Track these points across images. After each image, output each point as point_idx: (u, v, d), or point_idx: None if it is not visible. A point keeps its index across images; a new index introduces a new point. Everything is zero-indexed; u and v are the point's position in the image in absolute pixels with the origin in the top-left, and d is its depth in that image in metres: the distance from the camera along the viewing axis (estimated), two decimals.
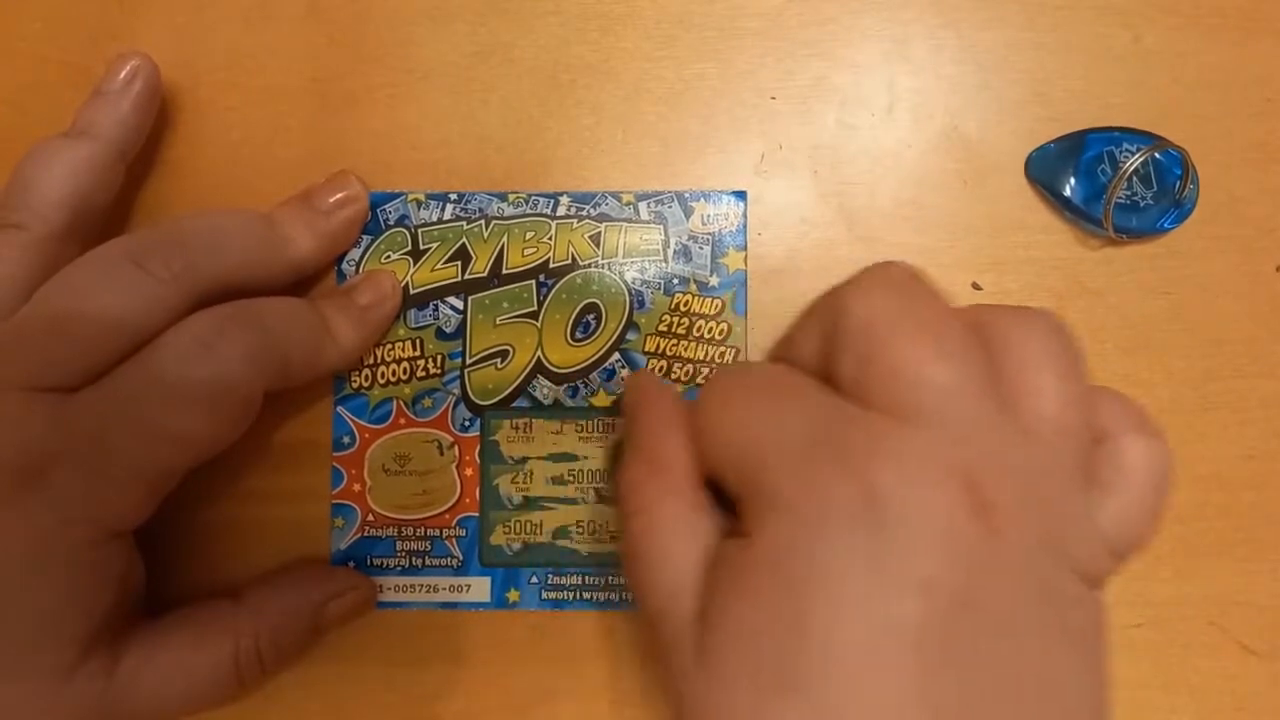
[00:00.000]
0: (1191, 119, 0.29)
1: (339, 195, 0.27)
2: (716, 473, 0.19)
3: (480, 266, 0.28)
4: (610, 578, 0.27)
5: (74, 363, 0.22)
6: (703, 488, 0.20)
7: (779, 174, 0.29)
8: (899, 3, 0.29)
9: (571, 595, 0.27)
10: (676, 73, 0.29)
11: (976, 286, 0.29)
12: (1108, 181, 0.28)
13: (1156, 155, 0.28)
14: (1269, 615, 0.28)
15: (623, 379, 0.28)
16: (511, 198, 0.28)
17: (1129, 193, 0.28)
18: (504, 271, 0.28)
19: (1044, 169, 0.29)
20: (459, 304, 0.28)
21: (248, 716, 0.27)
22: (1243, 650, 0.28)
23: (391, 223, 0.28)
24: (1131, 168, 0.28)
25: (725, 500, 0.20)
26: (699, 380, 0.28)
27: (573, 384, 0.28)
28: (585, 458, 0.28)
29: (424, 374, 0.28)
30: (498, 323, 0.28)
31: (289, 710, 0.27)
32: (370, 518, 0.28)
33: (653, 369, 0.28)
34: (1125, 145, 0.28)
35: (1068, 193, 0.28)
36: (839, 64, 0.29)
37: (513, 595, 0.27)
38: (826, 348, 0.19)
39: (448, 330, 0.28)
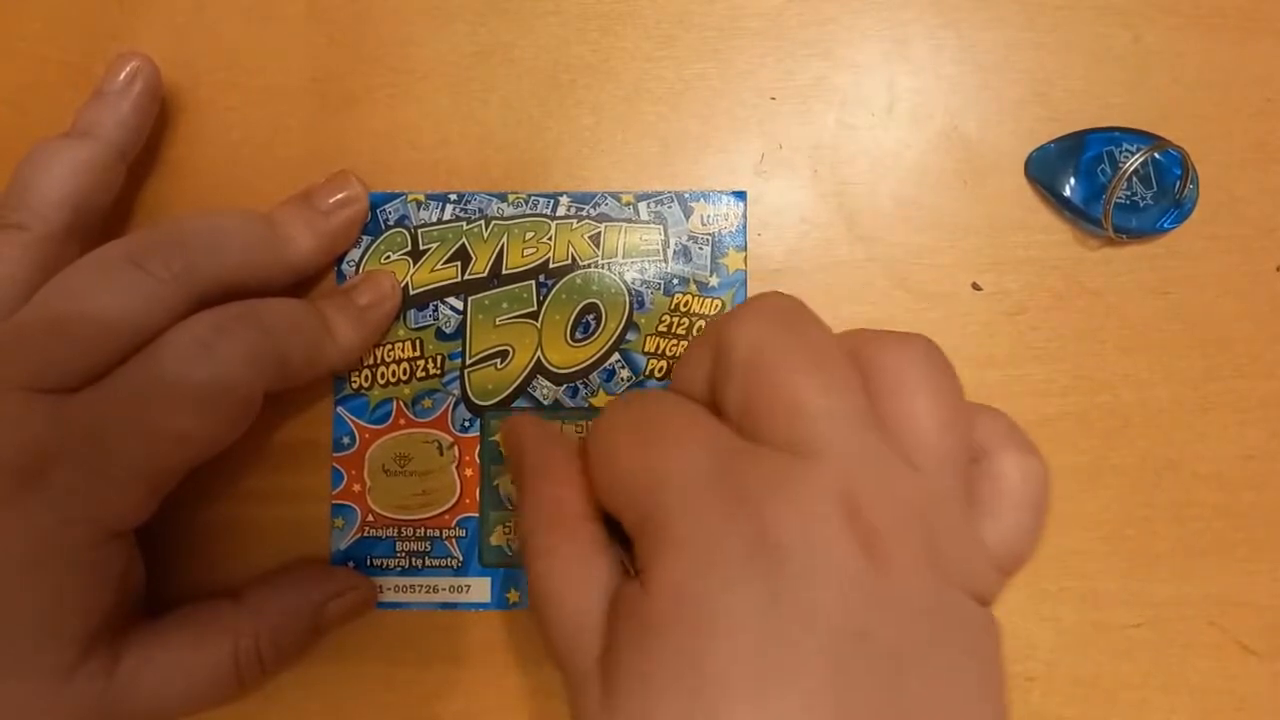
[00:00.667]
0: (1191, 119, 0.29)
1: (339, 195, 0.27)
2: (611, 508, 0.19)
3: (480, 267, 0.28)
4: None
5: (74, 363, 0.22)
6: (599, 522, 0.20)
7: (779, 174, 0.29)
8: (899, 3, 0.29)
9: None
10: (676, 73, 0.29)
11: (976, 286, 0.29)
12: (1107, 181, 0.28)
13: (1156, 155, 0.28)
14: (1269, 615, 0.28)
15: (623, 380, 0.28)
16: (511, 198, 0.28)
17: (1129, 193, 0.28)
18: (504, 272, 0.28)
19: (1044, 169, 0.29)
20: (459, 304, 0.28)
21: (248, 716, 0.27)
22: (1242, 650, 0.28)
23: (391, 223, 0.28)
24: (1131, 168, 0.28)
25: (623, 531, 0.20)
26: None
27: (573, 384, 0.28)
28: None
29: (424, 374, 0.28)
30: (497, 323, 0.28)
31: (289, 710, 0.27)
32: (370, 518, 0.28)
33: (652, 369, 0.28)
34: (1125, 145, 0.28)
35: (1067, 193, 0.28)
36: (839, 64, 0.29)
37: (512, 596, 0.27)
38: (713, 378, 0.19)
39: (447, 331, 0.28)
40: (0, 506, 0.21)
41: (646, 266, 0.28)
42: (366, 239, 0.28)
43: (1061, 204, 0.28)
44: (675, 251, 0.28)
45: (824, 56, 0.29)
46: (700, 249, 0.28)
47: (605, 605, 0.19)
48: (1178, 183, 0.28)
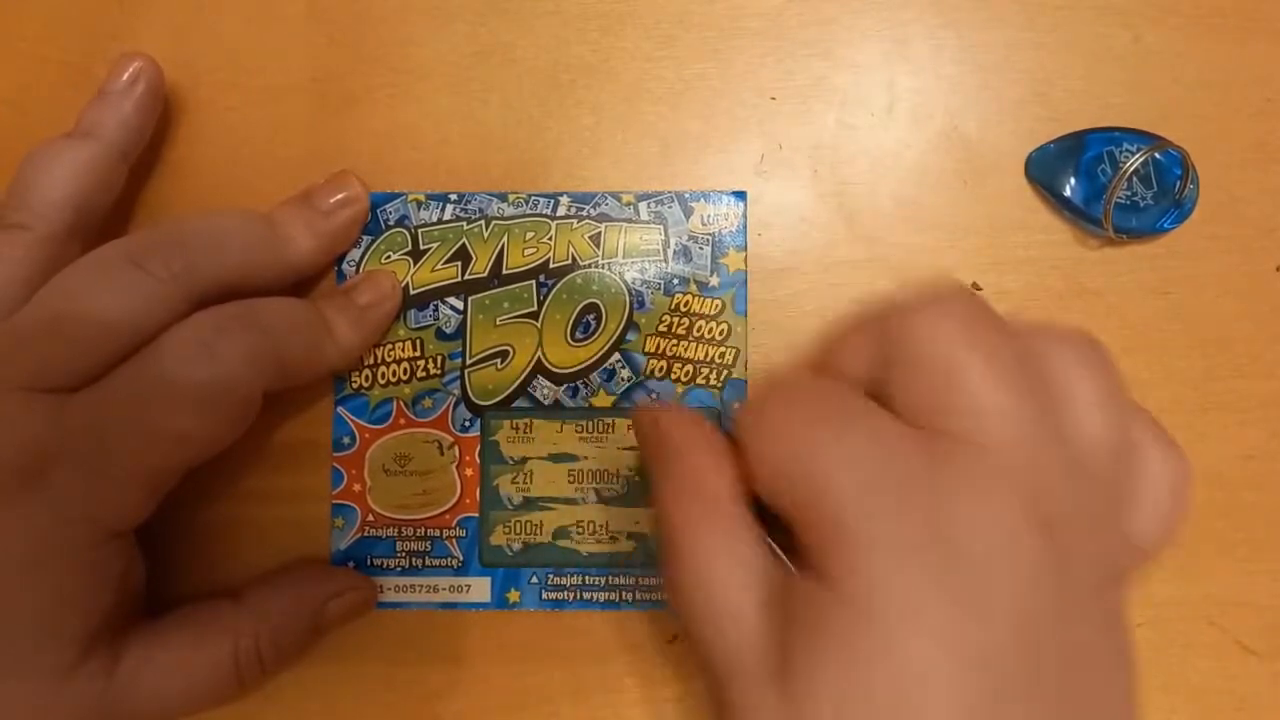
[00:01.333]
0: (1191, 119, 0.29)
1: (339, 196, 0.27)
2: (771, 499, 0.19)
3: (480, 267, 0.28)
4: (611, 578, 0.27)
5: (73, 363, 0.22)
6: (747, 509, 0.20)
7: (779, 174, 0.29)
8: (899, 3, 0.29)
9: (572, 595, 0.27)
10: (676, 73, 0.29)
11: (976, 286, 0.29)
12: (1108, 181, 0.28)
13: (1156, 155, 0.28)
14: (1269, 615, 0.28)
15: (624, 380, 0.28)
16: (511, 198, 0.28)
17: (1129, 193, 0.28)
18: (504, 272, 0.28)
19: (1044, 169, 0.29)
20: (459, 304, 0.28)
21: (248, 716, 0.27)
22: (1243, 650, 0.28)
23: (391, 223, 0.28)
24: (1131, 168, 0.28)
25: (770, 519, 0.19)
26: (699, 381, 0.28)
27: (573, 384, 0.28)
28: (585, 458, 0.28)
29: (424, 374, 0.28)
30: (498, 323, 0.28)
31: (289, 710, 0.27)
32: (370, 518, 0.28)
33: (653, 369, 0.28)
34: (1125, 145, 0.28)
35: (1068, 193, 0.28)
36: (839, 64, 0.29)
37: (513, 595, 0.27)
38: (884, 370, 0.19)
39: (448, 330, 0.28)
40: (0, 506, 0.21)
41: (647, 266, 0.28)
42: (366, 239, 0.28)
43: (1061, 204, 0.28)
44: (675, 251, 0.28)
45: (824, 56, 0.29)
46: (700, 249, 0.28)
47: (759, 593, 0.18)
48: (1178, 183, 0.28)
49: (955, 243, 0.29)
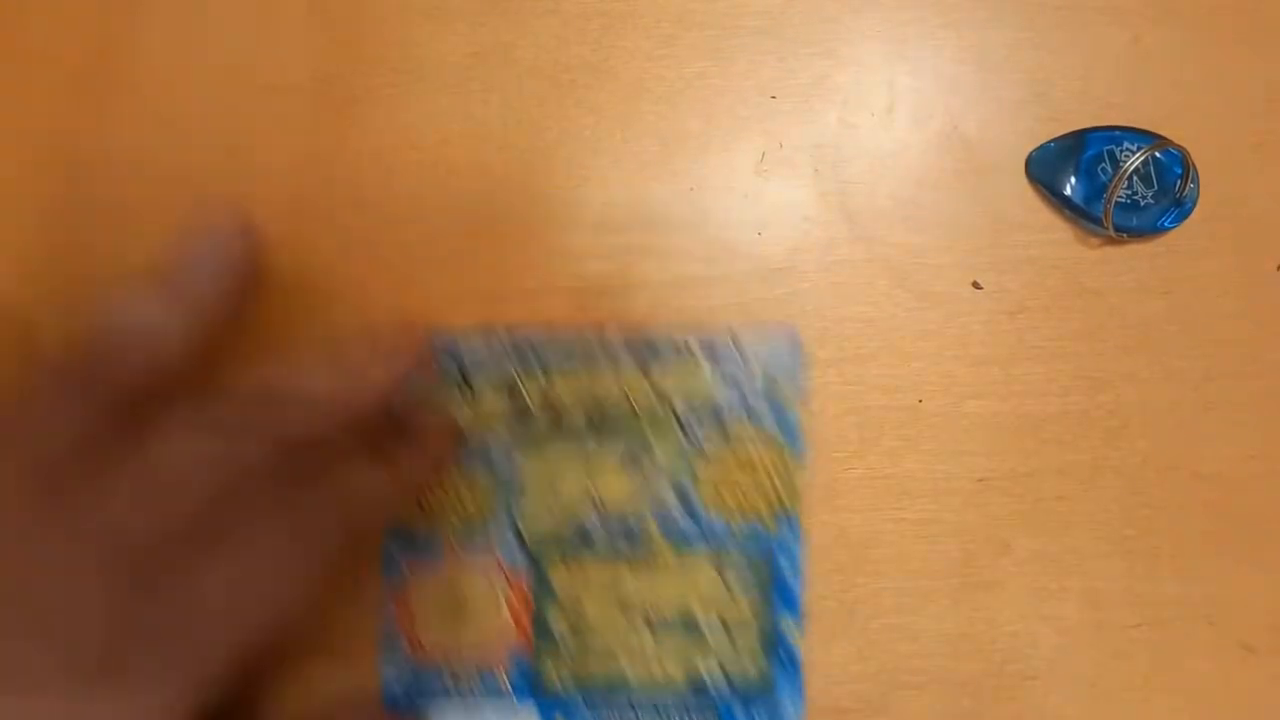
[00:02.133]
0: (1192, 118, 0.29)
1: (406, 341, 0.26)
2: None
3: (532, 403, 0.28)
4: (668, 716, 0.27)
5: (166, 545, 0.21)
6: None
7: (779, 173, 0.29)
8: (900, 2, 0.29)
9: None
10: (677, 72, 0.29)
11: (977, 286, 0.29)
12: (1108, 181, 0.28)
13: (1157, 154, 0.28)
14: (1269, 615, 0.28)
15: (674, 519, 0.27)
16: (559, 334, 0.28)
17: (1129, 192, 0.28)
18: (555, 406, 0.28)
19: (1044, 168, 0.29)
20: (509, 439, 0.28)
21: None
22: (1243, 650, 0.28)
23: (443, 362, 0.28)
24: (1132, 167, 0.28)
25: None
26: (752, 517, 0.27)
27: (625, 520, 0.28)
28: (638, 595, 0.27)
29: (475, 508, 0.28)
30: (549, 459, 0.28)
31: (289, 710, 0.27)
32: (420, 652, 0.27)
33: (707, 500, 0.27)
34: (1125, 144, 0.28)
35: (1068, 192, 0.28)
36: (840, 63, 0.29)
37: None
38: None
39: (499, 466, 0.27)
40: (79, 694, 0.20)
41: (698, 401, 0.28)
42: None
43: (1062, 203, 0.28)
44: (728, 388, 0.28)
45: (825, 56, 0.29)
46: (751, 384, 0.28)
47: None
48: (1178, 182, 0.28)
49: (955, 242, 0.29)
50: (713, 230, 0.29)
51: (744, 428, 0.28)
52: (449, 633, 0.27)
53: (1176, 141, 0.28)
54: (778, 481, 0.27)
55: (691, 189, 0.29)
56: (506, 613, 0.27)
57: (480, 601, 0.27)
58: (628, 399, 0.28)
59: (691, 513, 0.27)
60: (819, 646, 0.28)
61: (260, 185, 0.29)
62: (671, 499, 0.27)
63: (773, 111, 0.29)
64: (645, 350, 0.28)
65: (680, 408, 0.28)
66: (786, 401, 0.28)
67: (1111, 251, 0.29)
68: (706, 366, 0.28)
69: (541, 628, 0.27)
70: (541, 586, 0.27)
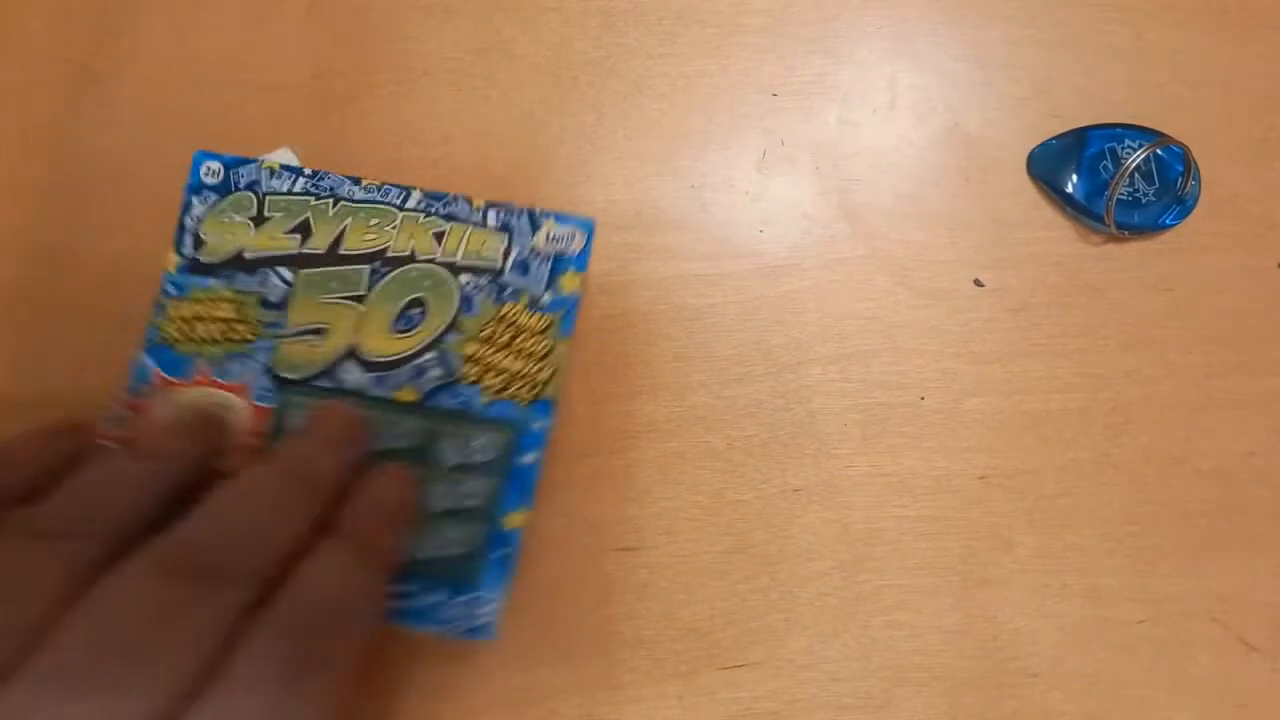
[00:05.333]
0: (1193, 115, 0.29)
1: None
2: None
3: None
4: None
5: None
6: None
7: (781, 170, 0.29)
8: (901, 0, 0.29)
9: None
10: (678, 69, 0.29)
11: (978, 283, 0.29)
12: (1109, 178, 0.28)
13: (1158, 152, 0.28)
14: (1271, 611, 0.28)
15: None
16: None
17: (1131, 189, 0.28)
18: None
19: (1046, 165, 0.29)
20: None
21: None
22: (1245, 646, 0.28)
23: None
24: (1133, 164, 0.28)
25: None
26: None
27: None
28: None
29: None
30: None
31: None
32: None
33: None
34: (1127, 142, 0.28)
35: (1069, 189, 0.28)
36: (841, 60, 0.29)
37: None
38: None
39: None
40: None
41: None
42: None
43: (1063, 200, 0.28)
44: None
45: (826, 53, 0.29)
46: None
47: None
48: (1180, 179, 0.28)
49: (957, 239, 0.29)
50: (714, 228, 0.29)
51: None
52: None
53: (1178, 139, 0.28)
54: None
55: (693, 186, 0.29)
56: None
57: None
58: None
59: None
60: (821, 643, 0.28)
61: None
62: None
63: (774, 109, 0.29)
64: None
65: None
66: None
67: (1113, 249, 0.29)
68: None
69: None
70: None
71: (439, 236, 0.27)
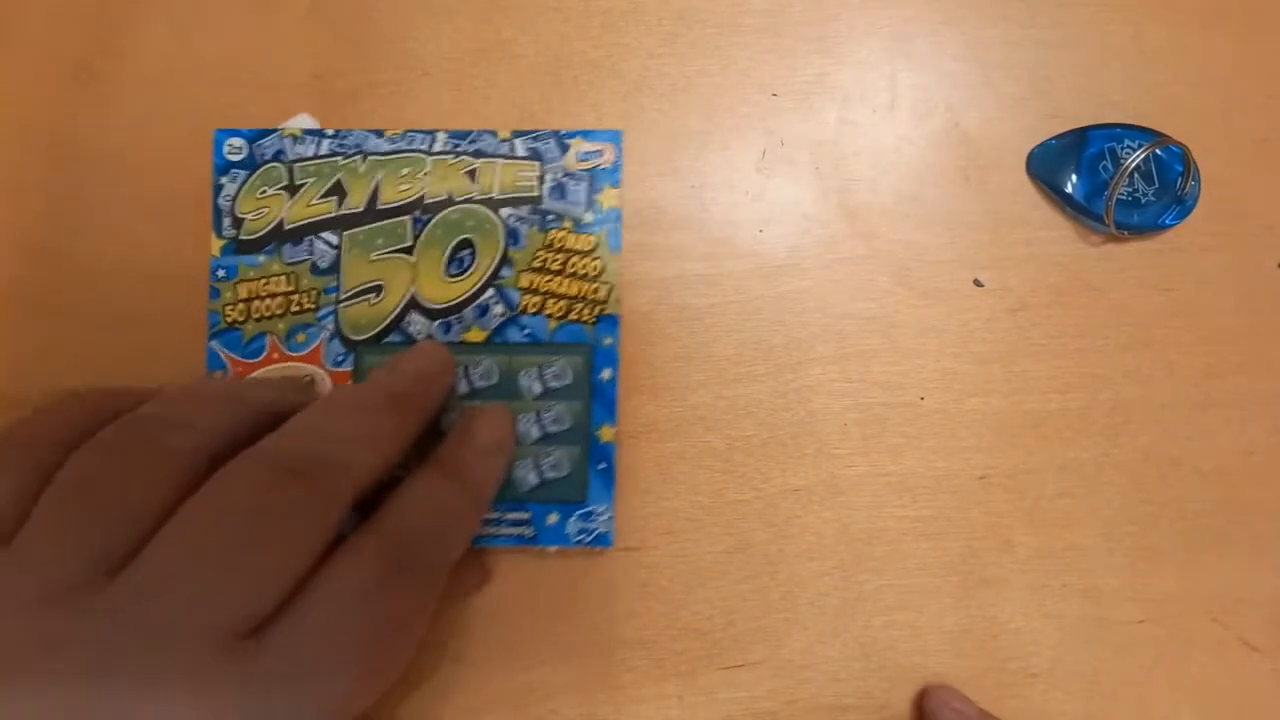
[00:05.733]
0: (1193, 115, 0.29)
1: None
2: None
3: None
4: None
5: (252, 604, 0.20)
6: None
7: (781, 170, 0.29)
8: None
9: None
10: (678, 69, 0.29)
11: (978, 283, 0.29)
12: (1109, 178, 0.28)
13: (1158, 152, 0.28)
14: (1271, 611, 0.28)
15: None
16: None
17: (1130, 189, 0.28)
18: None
19: (1045, 165, 0.29)
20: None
21: None
22: (1244, 646, 0.28)
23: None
24: (1133, 164, 0.28)
25: None
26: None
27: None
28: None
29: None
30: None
31: None
32: None
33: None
34: (1127, 142, 0.28)
35: (1069, 189, 0.28)
36: (841, 60, 0.29)
37: None
38: None
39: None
40: None
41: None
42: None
43: (1063, 200, 0.29)
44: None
45: (826, 53, 0.29)
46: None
47: None
48: (1179, 179, 0.28)
49: (956, 239, 0.29)
50: (714, 228, 0.29)
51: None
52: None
53: (1177, 139, 0.28)
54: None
55: (693, 186, 0.29)
56: None
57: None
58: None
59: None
60: (821, 643, 0.28)
61: None
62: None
63: (774, 109, 0.29)
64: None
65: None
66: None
67: (1113, 249, 0.29)
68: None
69: None
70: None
71: (471, 174, 0.28)
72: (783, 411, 0.28)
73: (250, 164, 0.28)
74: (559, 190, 0.28)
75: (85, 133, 0.29)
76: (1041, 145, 0.29)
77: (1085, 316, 0.28)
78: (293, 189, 0.28)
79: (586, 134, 0.28)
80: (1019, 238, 0.29)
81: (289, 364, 0.27)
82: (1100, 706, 0.27)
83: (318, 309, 0.27)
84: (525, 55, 0.29)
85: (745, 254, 0.29)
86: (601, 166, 0.28)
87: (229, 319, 0.28)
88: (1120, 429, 0.28)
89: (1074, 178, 0.28)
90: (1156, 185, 0.28)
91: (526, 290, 0.27)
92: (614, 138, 0.28)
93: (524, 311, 0.27)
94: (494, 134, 0.28)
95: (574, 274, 0.28)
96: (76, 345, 0.28)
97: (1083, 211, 0.28)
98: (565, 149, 0.28)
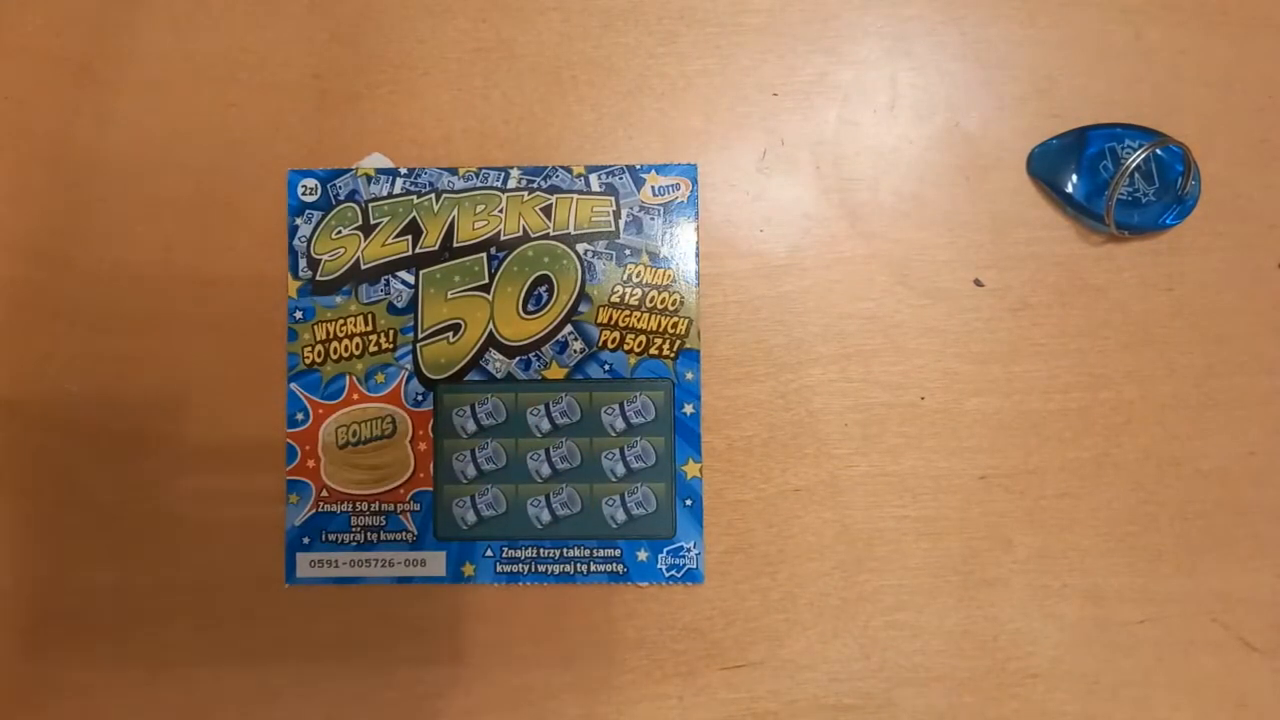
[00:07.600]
0: (1193, 115, 0.29)
1: None
2: None
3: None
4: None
5: None
6: None
7: (781, 170, 0.29)
8: None
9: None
10: (679, 69, 0.29)
11: (978, 283, 0.29)
12: (1110, 178, 0.28)
13: (1158, 151, 0.28)
14: (1271, 612, 0.28)
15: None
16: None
17: (1131, 189, 0.28)
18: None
19: (1046, 165, 0.29)
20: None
21: (249, 716, 0.27)
22: (1245, 646, 0.28)
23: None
24: (1133, 164, 0.28)
25: None
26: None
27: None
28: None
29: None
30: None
31: (289, 710, 0.27)
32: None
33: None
34: (1127, 142, 0.28)
35: (1070, 189, 0.28)
36: (841, 60, 0.29)
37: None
38: None
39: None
40: None
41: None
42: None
43: (1064, 200, 0.28)
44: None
45: (826, 53, 0.29)
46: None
47: None
48: (1180, 179, 0.28)
49: (956, 239, 0.29)
50: (714, 228, 0.29)
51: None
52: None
53: (1178, 139, 0.28)
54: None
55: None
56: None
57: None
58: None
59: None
60: (821, 643, 0.28)
61: (261, 181, 0.28)
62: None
63: (774, 109, 0.29)
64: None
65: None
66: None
67: (1113, 248, 0.29)
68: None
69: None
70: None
71: (546, 211, 0.28)
72: (783, 411, 0.28)
73: (324, 204, 0.28)
74: (635, 224, 0.28)
75: (85, 134, 0.29)
76: (1042, 145, 0.29)
77: (1086, 316, 0.28)
78: (367, 229, 0.28)
79: (661, 168, 0.28)
80: (1019, 237, 0.29)
81: (369, 404, 0.27)
82: (1100, 706, 0.27)
83: (396, 348, 0.28)
84: (525, 55, 0.29)
85: (745, 254, 0.29)
86: (677, 201, 0.28)
87: (306, 360, 0.28)
88: (1121, 429, 0.28)
89: (1074, 178, 0.28)
90: (1157, 185, 0.28)
91: (605, 325, 0.28)
92: (689, 172, 0.28)
93: (604, 347, 0.28)
94: (569, 170, 0.28)
95: (652, 308, 0.28)
96: (76, 347, 0.28)
97: (1083, 211, 0.28)
98: (641, 183, 0.28)
